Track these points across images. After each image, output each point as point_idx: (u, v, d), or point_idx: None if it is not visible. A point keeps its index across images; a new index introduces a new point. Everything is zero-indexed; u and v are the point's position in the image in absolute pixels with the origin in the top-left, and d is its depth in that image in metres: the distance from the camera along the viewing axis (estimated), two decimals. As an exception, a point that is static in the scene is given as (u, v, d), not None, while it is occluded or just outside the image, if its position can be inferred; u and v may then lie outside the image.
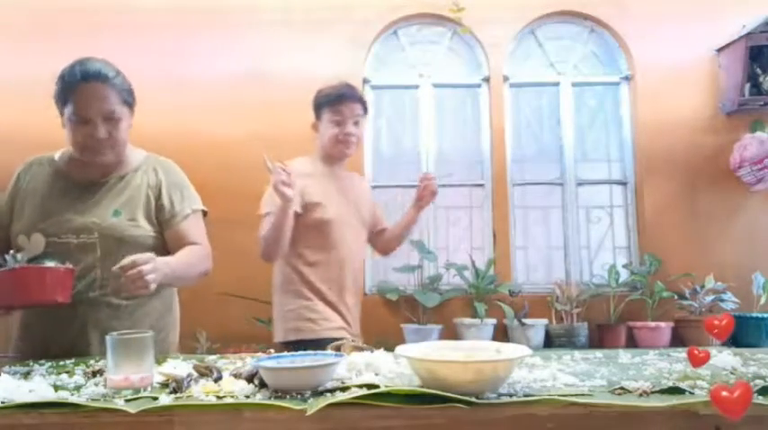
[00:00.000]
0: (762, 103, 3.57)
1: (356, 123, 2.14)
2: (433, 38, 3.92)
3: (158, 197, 1.63)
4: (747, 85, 3.55)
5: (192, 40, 3.62)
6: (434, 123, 3.87)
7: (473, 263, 3.55)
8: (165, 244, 1.64)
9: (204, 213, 1.74)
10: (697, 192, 3.68)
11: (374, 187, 3.81)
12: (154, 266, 1.38)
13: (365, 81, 3.81)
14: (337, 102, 2.11)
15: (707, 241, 3.61)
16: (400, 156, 3.89)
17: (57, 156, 1.69)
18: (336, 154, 2.15)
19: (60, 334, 1.52)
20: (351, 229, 2.16)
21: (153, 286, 1.38)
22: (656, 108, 3.72)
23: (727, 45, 3.65)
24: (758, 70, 3.61)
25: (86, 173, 1.61)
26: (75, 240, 1.53)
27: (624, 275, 3.62)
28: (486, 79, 3.83)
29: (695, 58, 3.75)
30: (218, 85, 3.62)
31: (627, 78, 3.86)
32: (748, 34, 3.51)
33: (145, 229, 1.59)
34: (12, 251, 1.43)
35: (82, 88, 1.52)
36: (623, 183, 3.85)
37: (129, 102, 1.60)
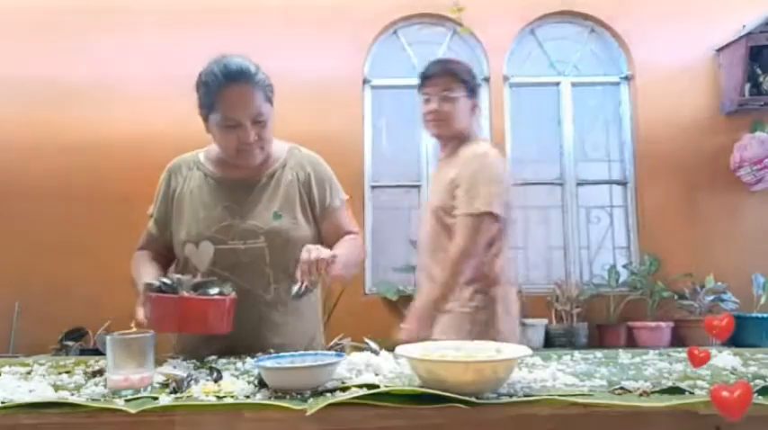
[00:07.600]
0: (762, 103, 3.57)
1: (445, 99, 2.03)
2: (433, 38, 3.92)
3: (309, 192, 1.61)
4: (747, 85, 3.56)
5: (193, 40, 3.62)
6: (434, 123, 3.87)
7: (473, 263, 3.54)
8: (321, 238, 1.61)
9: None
10: (697, 192, 3.68)
11: (374, 187, 3.81)
12: (329, 253, 1.34)
13: (365, 81, 3.81)
14: (423, 79, 2.06)
15: (707, 241, 3.61)
16: (400, 155, 3.89)
17: (201, 156, 1.66)
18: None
19: (237, 333, 1.48)
20: None
21: (339, 267, 1.35)
22: (656, 108, 3.72)
23: (727, 45, 3.65)
24: (758, 70, 3.61)
25: (237, 172, 1.59)
26: (243, 246, 1.52)
27: (624, 275, 3.62)
28: (486, 79, 3.83)
29: (695, 58, 3.75)
30: (218, 85, 3.63)
31: (627, 78, 3.85)
32: (748, 34, 3.51)
33: (305, 229, 1.57)
34: (177, 276, 1.35)
35: (227, 91, 1.46)
36: (623, 183, 3.85)
37: (271, 97, 1.54)
